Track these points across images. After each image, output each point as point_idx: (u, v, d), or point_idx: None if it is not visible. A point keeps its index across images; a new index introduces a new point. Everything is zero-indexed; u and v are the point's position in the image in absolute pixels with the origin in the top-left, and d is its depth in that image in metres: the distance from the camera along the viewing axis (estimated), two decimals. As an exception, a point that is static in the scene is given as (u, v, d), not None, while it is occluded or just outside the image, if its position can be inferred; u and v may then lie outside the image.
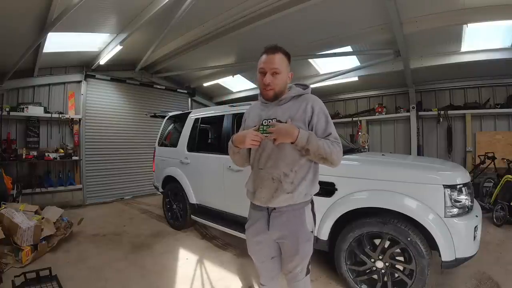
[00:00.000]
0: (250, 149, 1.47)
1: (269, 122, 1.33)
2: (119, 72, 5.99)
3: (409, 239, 1.93)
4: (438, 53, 4.62)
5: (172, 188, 3.91)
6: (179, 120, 4.15)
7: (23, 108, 4.82)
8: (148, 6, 3.48)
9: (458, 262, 1.92)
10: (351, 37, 4.37)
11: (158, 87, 6.76)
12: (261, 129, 1.31)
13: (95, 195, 5.69)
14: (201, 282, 2.48)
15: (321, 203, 2.22)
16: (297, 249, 1.34)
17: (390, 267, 2.06)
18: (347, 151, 2.84)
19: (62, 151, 5.14)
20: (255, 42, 3.73)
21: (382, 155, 3.12)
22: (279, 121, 1.32)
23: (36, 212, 3.41)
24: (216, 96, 8.42)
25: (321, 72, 6.05)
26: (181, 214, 3.78)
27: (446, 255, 1.90)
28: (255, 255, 1.50)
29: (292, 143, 1.22)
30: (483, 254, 2.57)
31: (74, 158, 5.27)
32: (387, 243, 2.06)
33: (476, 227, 1.98)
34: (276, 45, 1.35)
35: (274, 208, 1.35)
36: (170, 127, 4.35)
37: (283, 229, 1.35)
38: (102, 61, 5.01)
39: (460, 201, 1.95)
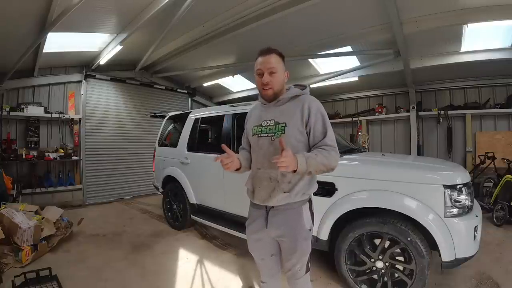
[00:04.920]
0: (250, 153, 1.52)
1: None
2: (119, 72, 5.99)
3: (409, 239, 1.93)
4: (438, 53, 4.62)
5: (172, 188, 3.91)
6: (179, 120, 4.15)
7: (23, 108, 4.82)
8: (148, 6, 3.48)
9: (458, 262, 1.92)
10: (351, 37, 4.37)
11: (158, 87, 6.76)
12: (260, 129, 1.40)
13: (95, 195, 5.69)
14: (201, 282, 2.48)
15: (321, 203, 2.22)
16: (295, 247, 1.36)
17: (390, 267, 2.06)
18: (347, 151, 2.85)
19: (62, 151, 5.14)
20: (255, 42, 3.73)
21: (382, 155, 3.12)
22: (277, 123, 1.36)
23: (36, 212, 3.41)
24: (216, 96, 8.42)
25: (321, 72, 6.05)
26: (181, 214, 3.78)
27: (446, 255, 1.90)
28: (255, 252, 1.52)
29: (294, 171, 1.17)
30: (483, 254, 2.57)
31: (74, 158, 5.28)
32: (387, 243, 2.06)
33: (476, 227, 1.98)
34: (270, 47, 1.38)
35: (272, 207, 1.37)
36: (170, 127, 4.35)
37: (281, 227, 1.36)
38: (102, 61, 5.02)
39: (460, 201, 1.95)
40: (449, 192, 1.91)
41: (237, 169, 1.44)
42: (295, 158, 1.15)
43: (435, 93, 5.96)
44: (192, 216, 3.59)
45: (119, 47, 4.33)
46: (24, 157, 4.69)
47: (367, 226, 2.09)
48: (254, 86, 7.04)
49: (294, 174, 1.26)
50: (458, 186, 1.97)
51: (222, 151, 1.35)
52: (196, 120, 3.74)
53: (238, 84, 7.44)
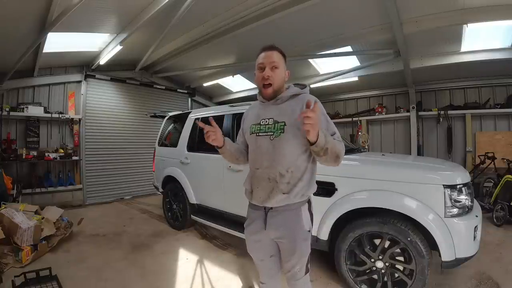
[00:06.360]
0: (247, 148, 1.50)
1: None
2: (119, 72, 5.99)
3: (409, 239, 1.93)
4: (438, 53, 4.62)
5: (172, 188, 3.91)
6: (179, 120, 4.15)
7: (23, 108, 4.82)
8: (148, 6, 3.48)
9: (458, 262, 1.92)
10: (351, 37, 4.37)
11: (158, 87, 6.77)
12: (258, 128, 1.37)
13: (95, 195, 5.69)
14: (201, 282, 2.48)
15: (321, 203, 2.22)
16: (294, 248, 1.35)
17: (390, 267, 2.06)
18: (347, 151, 2.84)
19: (62, 151, 5.14)
20: (255, 42, 3.73)
21: (382, 155, 3.12)
22: (276, 121, 1.34)
23: (36, 212, 3.41)
24: (216, 96, 8.42)
25: (321, 72, 6.06)
26: (181, 214, 3.78)
27: (446, 255, 1.90)
28: (254, 253, 1.51)
29: (312, 144, 1.13)
30: (483, 254, 2.57)
31: (74, 158, 5.28)
32: (387, 243, 2.06)
33: (476, 227, 1.98)
34: (273, 44, 1.38)
35: (271, 208, 1.36)
36: (170, 127, 4.35)
37: (279, 229, 1.35)
38: (102, 61, 5.02)
39: (460, 201, 1.95)
40: (449, 192, 1.91)
41: (219, 147, 1.43)
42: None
43: (435, 93, 5.96)
44: (192, 216, 3.59)
45: (119, 47, 4.33)
46: (24, 157, 4.69)
47: (367, 226, 2.09)
48: (254, 86, 7.03)
49: (311, 148, 1.18)
50: (458, 186, 1.97)
51: None
52: (196, 120, 3.74)
53: (238, 84, 7.44)
